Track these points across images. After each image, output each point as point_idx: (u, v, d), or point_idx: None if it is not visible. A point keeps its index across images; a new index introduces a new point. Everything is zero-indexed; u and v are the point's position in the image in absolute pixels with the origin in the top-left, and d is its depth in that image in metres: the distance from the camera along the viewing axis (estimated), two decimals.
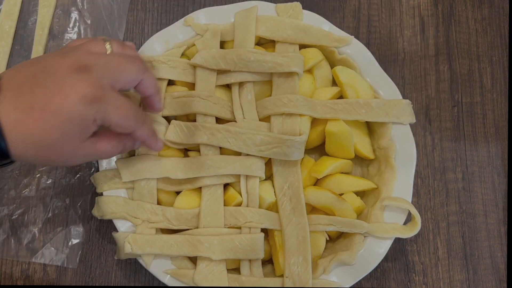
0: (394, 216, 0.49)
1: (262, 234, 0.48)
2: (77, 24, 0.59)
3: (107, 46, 0.43)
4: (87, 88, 0.38)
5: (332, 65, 0.54)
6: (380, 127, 0.52)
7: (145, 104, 0.49)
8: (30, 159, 0.40)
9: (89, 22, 0.59)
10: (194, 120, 0.51)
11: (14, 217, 0.54)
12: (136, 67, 0.43)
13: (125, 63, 0.42)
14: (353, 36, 0.53)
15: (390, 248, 0.49)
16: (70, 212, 0.54)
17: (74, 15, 0.59)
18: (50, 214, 0.54)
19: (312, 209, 0.51)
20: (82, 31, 0.59)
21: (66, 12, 0.59)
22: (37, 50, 0.58)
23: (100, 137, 0.42)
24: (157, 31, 0.55)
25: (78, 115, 0.38)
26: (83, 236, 0.54)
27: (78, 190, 0.55)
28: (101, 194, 0.50)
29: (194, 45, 0.53)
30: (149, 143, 0.47)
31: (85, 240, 0.54)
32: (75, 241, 0.54)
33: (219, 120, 0.51)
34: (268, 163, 0.50)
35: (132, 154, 0.51)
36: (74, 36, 0.59)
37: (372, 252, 0.48)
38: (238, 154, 0.49)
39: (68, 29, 0.59)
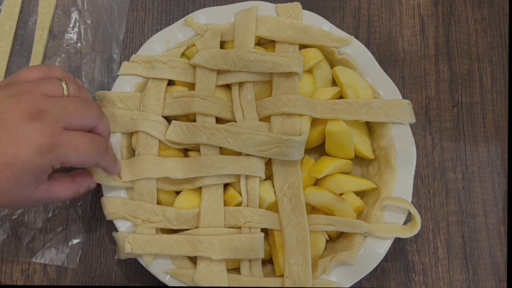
0: (394, 216, 0.49)
1: (262, 234, 0.48)
2: (77, 24, 0.59)
3: (64, 86, 0.43)
4: (40, 138, 0.38)
5: (332, 65, 0.54)
6: (380, 127, 0.52)
7: None
8: None
9: (89, 22, 0.59)
10: (194, 120, 0.51)
11: (14, 217, 0.54)
12: (93, 113, 0.43)
13: (82, 109, 0.42)
14: (353, 36, 0.53)
15: (390, 248, 0.49)
16: (70, 212, 0.54)
17: (74, 15, 0.59)
18: (50, 214, 0.54)
19: (312, 209, 0.51)
20: (82, 31, 0.59)
21: (66, 12, 0.59)
22: (37, 50, 0.58)
23: (54, 181, 0.42)
24: (157, 31, 0.56)
25: (33, 165, 0.38)
26: (83, 236, 0.54)
27: None
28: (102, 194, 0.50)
29: (194, 45, 0.53)
30: (110, 170, 0.47)
31: (85, 240, 0.54)
32: (75, 241, 0.54)
33: (219, 120, 0.51)
34: (268, 163, 0.50)
35: (132, 154, 0.51)
36: (74, 36, 0.59)
37: (372, 252, 0.48)
38: (238, 154, 0.49)
39: (68, 29, 0.59)
